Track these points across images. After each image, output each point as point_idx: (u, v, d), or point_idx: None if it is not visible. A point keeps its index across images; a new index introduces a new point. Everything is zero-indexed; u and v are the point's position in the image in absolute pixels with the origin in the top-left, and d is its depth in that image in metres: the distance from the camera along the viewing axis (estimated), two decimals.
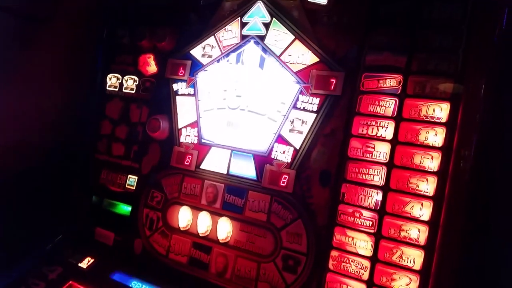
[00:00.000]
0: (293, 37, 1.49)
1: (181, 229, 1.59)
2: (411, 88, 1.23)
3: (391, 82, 1.27)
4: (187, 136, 1.65)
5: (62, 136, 1.90)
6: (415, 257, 1.18)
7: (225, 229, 1.50)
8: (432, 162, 1.18)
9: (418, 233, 1.18)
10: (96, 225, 1.82)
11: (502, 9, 1.17)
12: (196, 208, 1.58)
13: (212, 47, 1.67)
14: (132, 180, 1.76)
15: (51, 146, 1.87)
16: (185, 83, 1.69)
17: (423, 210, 1.18)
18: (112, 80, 1.90)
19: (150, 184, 1.70)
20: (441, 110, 1.19)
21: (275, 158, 1.46)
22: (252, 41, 1.57)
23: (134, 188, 1.76)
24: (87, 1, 1.93)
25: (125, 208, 1.78)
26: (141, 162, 1.75)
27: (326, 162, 1.36)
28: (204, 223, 1.55)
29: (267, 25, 1.55)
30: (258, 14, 1.57)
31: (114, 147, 1.84)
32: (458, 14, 1.21)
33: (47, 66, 1.83)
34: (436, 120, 1.19)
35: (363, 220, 1.26)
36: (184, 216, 1.59)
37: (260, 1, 1.57)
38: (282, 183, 1.43)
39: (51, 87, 1.86)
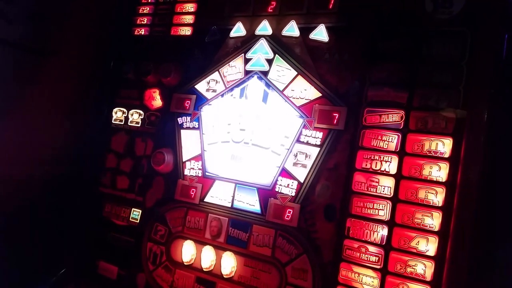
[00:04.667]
0: (296, 72, 1.52)
1: (185, 263, 1.58)
2: (413, 123, 1.25)
3: (393, 117, 1.29)
4: (191, 169, 1.66)
5: (67, 169, 1.91)
6: None
7: (230, 264, 1.49)
8: (437, 196, 1.18)
9: (424, 268, 1.17)
10: (100, 259, 1.81)
11: (501, 45, 1.20)
12: (200, 242, 1.57)
13: (217, 82, 1.70)
14: (136, 214, 1.77)
15: (56, 179, 1.88)
16: (190, 117, 1.72)
17: (429, 245, 1.17)
18: (117, 114, 1.93)
19: (154, 217, 1.70)
20: (443, 145, 1.20)
21: (279, 191, 1.46)
22: (255, 76, 1.61)
23: (138, 221, 1.75)
24: (93, 36, 1.99)
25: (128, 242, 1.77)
26: (145, 195, 1.76)
27: (330, 196, 1.37)
28: (208, 257, 1.54)
29: (270, 61, 1.58)
30: (261, 51, 1.61)
31: (119, 180, 1.85)
32: (457, 50, 1.24)
33: (53, 100, 1.87)
34: (439, 155, 1.20)
35: (369, 256, 1.25)
36: (188, 251, 1.58)
37: (263, 38, 1.61)
38: (287, 217, 1.42)
39: (56, 120, 1.89)
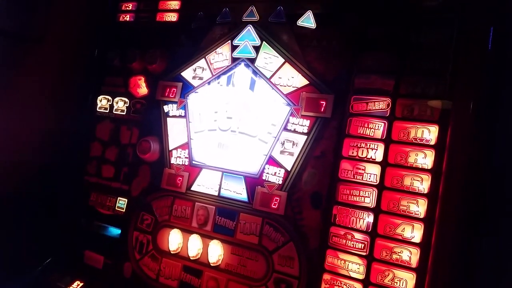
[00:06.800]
0: (283, 60, 1.51)
1: (172, 252, 1.57)
2: (400, 111, 1.25)
3: (380, 104, 1.29)
4: (178, 158, 1.65)
5: (51, 157, 1.88)
6: (407, 280, 1.17)
7: (216, 252, 1.49)
8: (422, 184, 1.19)
9: (409, 255, 1.18)
10: (86, 248, 1.79)
11: (487, 32, 1.19)
12: (187, 231, 1.56)
13: (203, 69, 1.68)
14: (122, 203, 1.75)
15: (41, 168, 1.85)
16: (176, 104, 1.70)
17: (414, 232, 1.18)
18: (102, 102, 1.90)
19: (140, 206, 1.69)
20: (429, 133, 1.20)
21: (266, 179, 1.46)
22: (242, 63, 1.59)
23: (123, 210, 1.74)
24: (78, 22, 1.94)
25: (114, 231, 1.75)
26: (131, 184, 1.74)
27: (317, 184, 1.37)
28: (195, 246, 1.53)
29: (257, 48, 1.56)
30: (248, 38, 1.59)
31: (104, 169, 1.82)
32: (444, 38, 1.24)
33: (37, 87, 1.83)
34: (425, 142, 1.20)
35: (355, 243, 1.26)
36: (174, 239, 1.57)
37: (250, 25, 1.59)
38: (274, 205, 1.42)
39: (40, 109, 1.85)
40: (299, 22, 1.49)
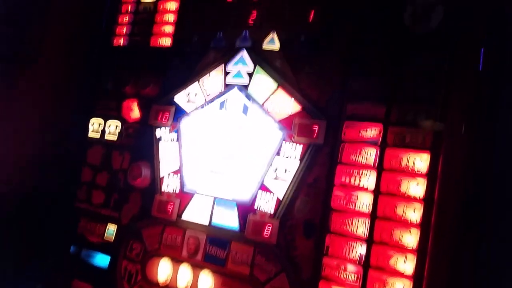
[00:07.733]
0: (276, 85, 1.49)
1: (160, 284, 1.52)
2: (391, 138, 1.23)
3: (372, 131, 1.27)
4: (169, 184, 1.62)
5: (41, 182, 1.86)
6: None
7: (207, 283, 1.44)
8: (415, 213, 1.16)
9: (402, 287, 1.14)
10: (74, 277, 1.74)
11: (478, 57, 1.19)
12: (177, 260, 1.52)
13: (196, 93, 1.67)
14: (111, 230, 1.70)
15: (29, 192, 1.83)
16: (169, 129, 1.68)
17: (407, 264, 1.14)
18: (94, 125, 1.88)
19: (130, 234, 1.65)
20: (421, 161, 1.18)
21: (258, 207, 1.42)
22: (235, 88, 1.58)
23: (113, 238, 1.69)
24: (72, 45, 1.95)
25: (103, 260, 1.71)
26: (121, 211, 1.70)
27: (309, 212, 1.33)
28: (184, 277, 1.48)
29: (250, 74, 1.56)
30: (242, 63, 1.58)
31: (94, 195, 1.79)
32: (435, 64, 1.23)
33: (27, 110, 1.82)
34: (417, 171, 1.17)
35: (347, 274, 1.21)
36: (164, 270, 1.52)
37: (244, 50, 1.59)
38: (266, 233, 1.38)
39: (31, 131, 1.84)
40: (292, 48, 1.49)
